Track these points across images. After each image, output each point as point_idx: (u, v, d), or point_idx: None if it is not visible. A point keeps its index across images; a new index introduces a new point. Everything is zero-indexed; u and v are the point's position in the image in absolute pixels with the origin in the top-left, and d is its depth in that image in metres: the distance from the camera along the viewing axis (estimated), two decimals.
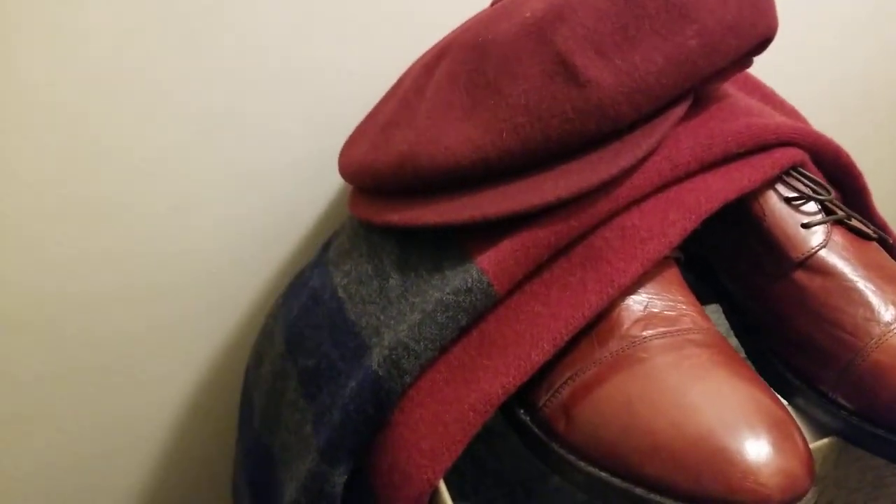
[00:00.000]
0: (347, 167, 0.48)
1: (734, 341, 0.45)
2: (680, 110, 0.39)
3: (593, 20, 0.38)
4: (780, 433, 0.30)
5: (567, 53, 0.38)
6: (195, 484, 0.70)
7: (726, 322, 0.46)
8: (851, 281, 0.37)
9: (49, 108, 0.48)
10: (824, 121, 0.55)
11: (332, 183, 0.59)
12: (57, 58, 0.47)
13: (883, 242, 0.42)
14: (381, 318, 0.40)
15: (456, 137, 0.40)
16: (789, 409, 0.34)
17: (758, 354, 0.41)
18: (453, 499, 0.36)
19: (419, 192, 0.42)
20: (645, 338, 0.35)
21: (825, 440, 0.36)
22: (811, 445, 0.34)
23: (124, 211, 0.53)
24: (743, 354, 0.44)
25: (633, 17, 0.38)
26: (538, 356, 0.35)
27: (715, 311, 0.47)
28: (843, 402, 0.36)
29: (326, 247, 0.50)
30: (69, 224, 0.52)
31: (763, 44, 0.41)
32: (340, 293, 0.43)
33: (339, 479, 0.38)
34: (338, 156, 0.51)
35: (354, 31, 0.53)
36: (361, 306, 0.41)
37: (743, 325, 0.43)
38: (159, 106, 0.51)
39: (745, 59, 0.42)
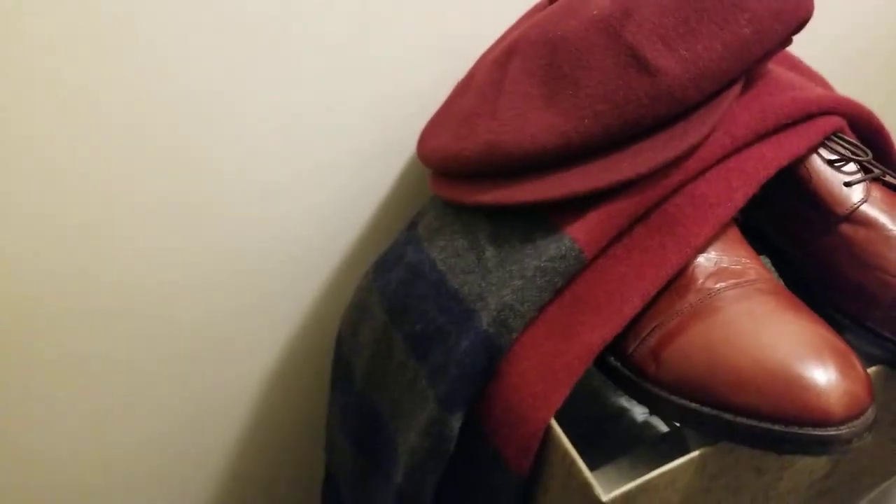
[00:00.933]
0: (431, 156, 0.53)
1: None
2: (736, 89, 0.44)
3: (658, 15, 0.43)
4: (844, 362, 0.36)
5: (637, 46, 0.43)
6: (284, 444, 0.76)
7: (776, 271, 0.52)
8: (891, 230, 0.43)
9: (139, 113, 0.51)
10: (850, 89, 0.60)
11: (399, 171, 0.64)
12: (146, 65, 0.49)
13: None
14: (483, 285, 0.45)
15: (539, 125, 0.45)
16: None
17: (808, 301, 0.47)
18: None
19: (504, 175, 0.48)
20: (718, 290, 0.41)
21: (873, 368, 0.42)
22: None
23: (212, 208, 0.57)
24: None
25: (692, 11, 0.43)
26: (629, 310, 0.41)
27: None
28: (889, 334, 0.42)
29: (413, 226, 0.55)
30: (160, 220, 0.56)
31: (802, 25, 0.46)
32: (440, 266, 0.49)
33: (456, 423, 0.44)
34: (417, 145, 0.56)
35: (414, 29, 0.57)
36: (462, 276, 0.47)
37: (793, 276, 0.49)
38: (243, 110, 0.54)
39: (787, 39, 0.47)
